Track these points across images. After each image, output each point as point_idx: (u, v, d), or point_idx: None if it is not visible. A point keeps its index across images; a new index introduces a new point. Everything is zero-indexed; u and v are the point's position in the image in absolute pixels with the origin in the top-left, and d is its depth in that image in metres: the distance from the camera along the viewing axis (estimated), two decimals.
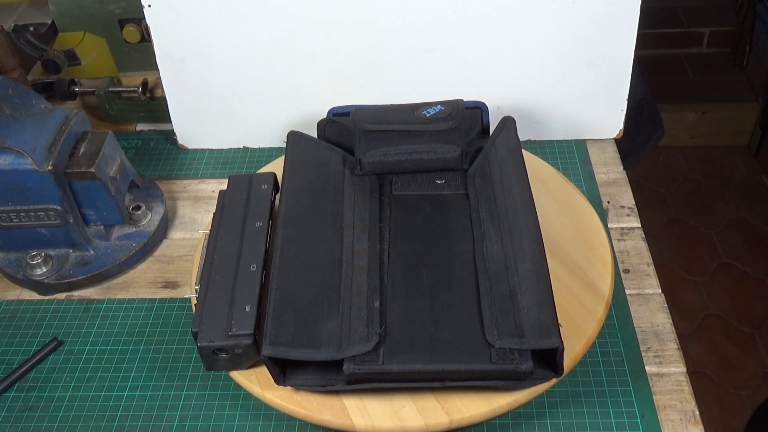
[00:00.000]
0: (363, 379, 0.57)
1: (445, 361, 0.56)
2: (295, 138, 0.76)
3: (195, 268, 0.69)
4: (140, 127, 0.97)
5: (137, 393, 0.66)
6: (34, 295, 0.76)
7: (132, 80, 0.98)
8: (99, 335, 0.72)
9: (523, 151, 0.74)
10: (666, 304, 0.71)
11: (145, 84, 0.95)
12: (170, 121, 0.91)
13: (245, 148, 0.92)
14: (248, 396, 0.64)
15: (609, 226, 0.79)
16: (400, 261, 0.65)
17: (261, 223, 0.69)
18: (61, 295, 0.76)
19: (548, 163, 0.81)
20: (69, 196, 0.73)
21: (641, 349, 0.67)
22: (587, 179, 0.84)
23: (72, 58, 1.00)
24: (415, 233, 0.67)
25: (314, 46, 0.83)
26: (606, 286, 0.66)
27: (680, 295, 1.74)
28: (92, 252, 0.77)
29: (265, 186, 0.73)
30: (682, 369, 0.66)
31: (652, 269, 0.74)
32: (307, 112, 0.87)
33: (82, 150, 0.74)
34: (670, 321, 0.70)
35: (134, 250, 0.77)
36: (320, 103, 0.84)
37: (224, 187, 0.74)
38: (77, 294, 0.76)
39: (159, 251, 0.80)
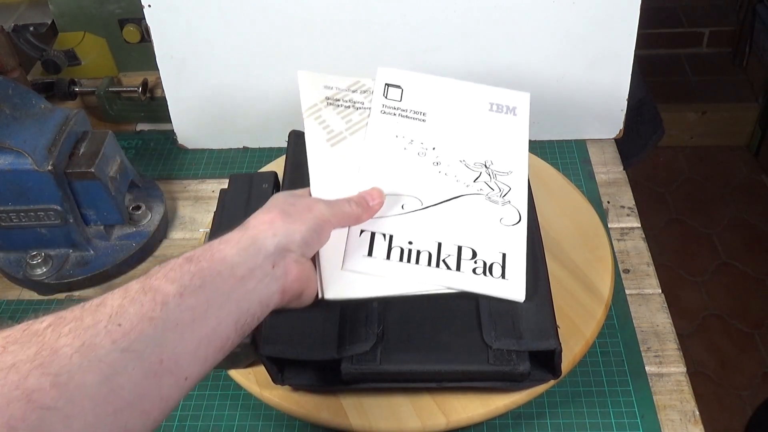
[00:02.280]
0: (360, 379, 0.57)
1: (442, 362, 0.56)
2: (296, 137, 0.76)
3: None
4: (140, 127, 0.97)
5: None
6: (34, 295, 0.76)
7: (132, 80, 0.98)
8: None
9: None
10: (666, 304, 0.71)
11: (145, 84, 0.95)
12: (170, 121, 0.91)
13: (245, 148, 0.92)
14: (248, 396, 0.64)
15: (609, 226, 0.79)
16: None
17: None
18: (61, 295, 0.76)
19: (548, 163, 0.81)
20: (69, 196, 0.73)
21: (641, 349, 0.67)
22: (587, 179, 0.84)
23: (72, 58, 1.00)
24: None
25: (314, 46, 0.83)
26: (605, 287, 0.66)
27: (680, 295, 1.74)
28: (92, 252, 0.77)
29: (266, 185, 0.72)
30: (682, 369, 0.66)
31: (652, 269, 0.74)
32: None
33: (82, 150, 0.74)
34: (670, 321, 0.70)
35: (134, 250, 0.77)
36: None
37: (224, 186, 0.74)
38: (77, 294, 0.76)
39: (159, 251, 0.80)
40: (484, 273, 0.60)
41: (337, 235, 0.60)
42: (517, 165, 0.66)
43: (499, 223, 0.62)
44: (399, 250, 0.60)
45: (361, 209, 0.58)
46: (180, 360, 0.41)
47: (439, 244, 0.61)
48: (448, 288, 0.59)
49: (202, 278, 0.44)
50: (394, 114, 0.69)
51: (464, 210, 0.63)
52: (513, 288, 0.59)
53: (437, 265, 0.60)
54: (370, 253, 0.60)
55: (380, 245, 0.60)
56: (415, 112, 0.70)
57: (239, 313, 0.46)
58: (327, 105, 0.70)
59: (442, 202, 0.64)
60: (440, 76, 0.72)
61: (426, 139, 0.68)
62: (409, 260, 0.60)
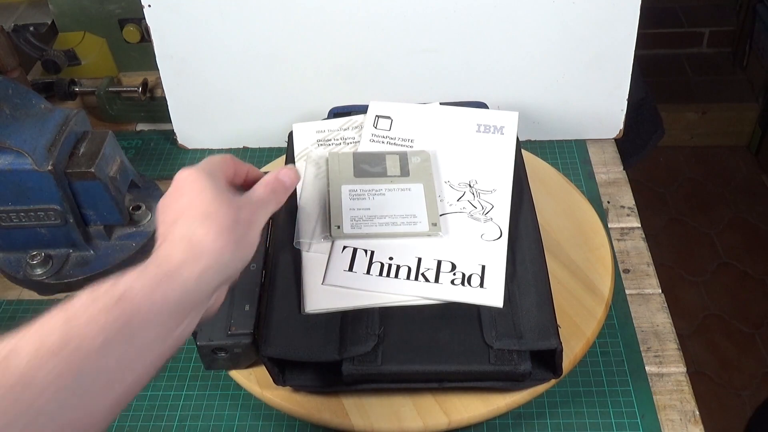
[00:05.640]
0: (362, 380, 0.57)
1: (443, 362, 0.57)
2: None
3: None
4: (140, 127, 0.97)
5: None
6: (34, 295, 0.76)
7: (132, 80, 0.98)
8: None
9: (523, 151, 0.74)
10: (666, 304, 0.71)
11: (145, 84, 0.95)
12: (170, 121, 0.91)
13: (245, 148, 0.92)
14: (248, 396, 0.64)
15: (609, 226, 0.79)
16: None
17: None
18: (61, 295, 0.76)
19: (548, 163, 0.81)
20: (69, 196, 0.73)
21: (641, 349, 0.67)
22: (587, 179, 0.84)
23: (72, 58, 1.00)
24: None
25: (314, 46, 0.83)
26: (606, 287, 0.66)
27: (680, 295, 1.74)
28: (92, 252, 0.77)
29: None
30: (682, 369, 0.66)
31: (652, 269, 0.74)
32: (307, 112, 0.87)
33: (82, 150, 0.74)
34: (670, 321, 0.70)
35: (134, 250, 0.77)
36: (320, 102, 0.84)
37: None
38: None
39: None
40: (462, 283, 0.60)
41: (320, 252, 0.63)
42: (501, 183, 0.68)
43: (480, 239, 0.64)
44: (379, 265, 0.62)
45: (276, 195, 0.53)
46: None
47: (419, 259, 0.62)
48: (426, 299, 0.60)
49: (131, 330, 0.39)
50: (382, 142, 0.72)
51: (446, 227, 0.64)
52: (490, 295, 0.60)
53: (416, 279, 0.61)
54: (351, 268, 0.62)
55: (361, 260, 0.62)
56: (403, 139, 0.72)
57: (161, 358, 0.42)
58: (318, 146, 0.73)
59: None
60: (429, 104, 0.75)
61: None
62: (388, 274, 0.61)
